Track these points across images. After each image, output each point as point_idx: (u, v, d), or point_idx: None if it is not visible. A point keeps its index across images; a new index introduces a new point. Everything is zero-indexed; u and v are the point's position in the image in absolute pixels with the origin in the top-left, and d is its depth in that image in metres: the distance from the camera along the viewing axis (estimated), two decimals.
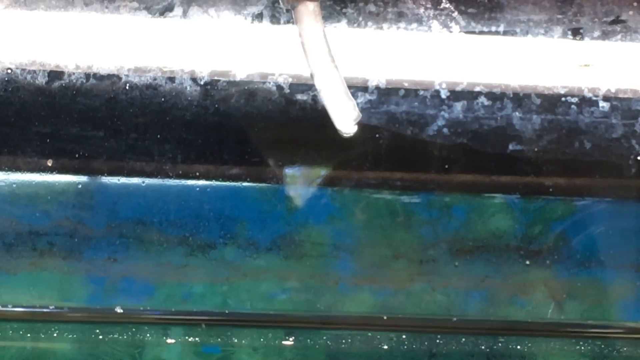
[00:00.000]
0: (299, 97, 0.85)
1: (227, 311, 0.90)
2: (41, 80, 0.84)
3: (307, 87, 0.85)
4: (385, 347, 0.92)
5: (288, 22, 0.84)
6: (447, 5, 0.86)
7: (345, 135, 0.75)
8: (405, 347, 0.92)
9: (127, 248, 0.87)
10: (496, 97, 0.87)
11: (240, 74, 0.85)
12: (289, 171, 0.88)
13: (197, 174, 0.87)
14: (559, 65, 0.87)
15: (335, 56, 0.75)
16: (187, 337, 0.90)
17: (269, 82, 0.85)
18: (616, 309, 0.92)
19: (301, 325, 0.91)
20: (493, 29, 0.86)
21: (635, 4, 0.87)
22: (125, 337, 0.90)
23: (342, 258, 0.89)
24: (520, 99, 0.87)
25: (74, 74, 0.84)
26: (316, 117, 0.85)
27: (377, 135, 0.86)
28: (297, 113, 0.86)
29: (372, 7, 0.85)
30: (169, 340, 0.90)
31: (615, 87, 0.87)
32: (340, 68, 0.75)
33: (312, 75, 0.75)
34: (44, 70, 0.84)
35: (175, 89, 0.85)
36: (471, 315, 0.91)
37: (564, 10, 0.87)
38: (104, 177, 0.87)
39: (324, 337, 0.91)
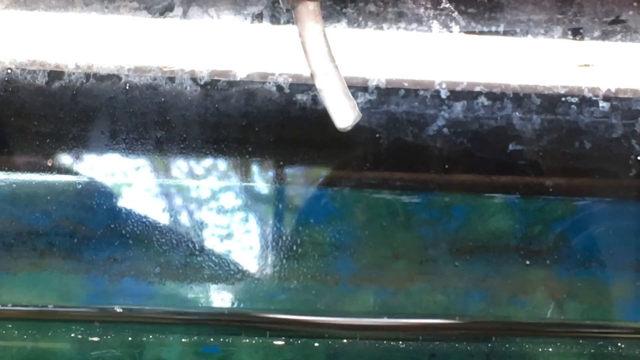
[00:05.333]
0: (299, 97, 0.85)
1: (227, 311, 0.90)
2: (41, 80, 0.84)
3: (307, 87, 0.85)
4: (386, 347, 0.92)
5: (288, 22, 0.84)
6: (447, 5, 0.86)
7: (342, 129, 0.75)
8: (405, 347, 0.92)
9: (127, 248, 0.87)
10: (496, 97, 0.87)
11: (240, 74, 0.85)
12: (290, 171, 0.88)
13: (197, 174, 0.87)
14: (559, 65, 0.87)
15: (335, 56, 0.75)
16: (187, 337, 0.90)
17: (269, 82, 0.85)
18: (616, 309, 0.92)
19: (301, 325, 0.91)
20: (493, 29, 0.86)
21: (635, 4, 0.87)
22: (125, 337, 0.90)
23: (342, 258, 0.89)
24: (520, 99, 0.87)
25: (74, 74, 0.84)
26: (316, 117, 0.85)
27: (377, 135, 0.86)
28: (297, 113, 0.86)
29: (372, 7, 0.85)
30: (169, 340, 0.90)
31: (615, 87, 0.87)
32: (340, 68, 0.75)
33: (312, 75, 0.75)
34: (44, 70, 0.84)
35: (175, 89, 0.85)
36: (471, 315, 0.91)
37: (564, 10, 0.87)
38: (104, 177, 0.87)
39: (324, 337, 0.91)
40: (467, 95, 0.86)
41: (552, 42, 0.87)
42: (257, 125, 0.86)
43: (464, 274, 0.90)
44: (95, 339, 0.90)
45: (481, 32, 0.86)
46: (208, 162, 0.87)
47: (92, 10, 0.84)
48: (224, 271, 0.89)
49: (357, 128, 0.76)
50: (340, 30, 0.85)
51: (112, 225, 0.87)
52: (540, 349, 0.93)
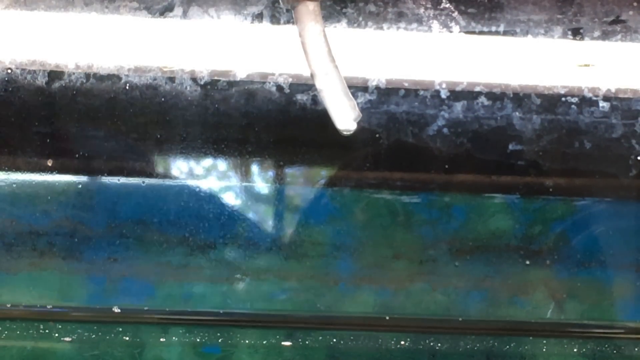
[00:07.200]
0: (299, 97, 0.85)
1: (227, 311, 0.90)
2: (41, 80, 0.84)
3: (307, 87, 0.85)
4: (386, 347, 0.92)
5: (288, 22, 0.84)
6: (447, 5, 0.86)
7: (345, 133, 0.75)
8: (406, 347, 0.92)
9: (127, 248, 0.87)
10: (496, 97, 0.87)
11: (240, 74, 0.85)
12: (290, 171, 0.88)
13: (197, 173, 0.87)
14: (559, 65, 0.87)
15: (335, 56, 0.75)
16: (187, 337, 0.90)
17: (269, 82, 0.85)
18: (616, 309, 0.92)
19: (301, 325, 0.91)
20: (493, 29, 0.86)
21: (635, 4, 0.87)
22: (125, 337, 0.90)
23: (342, 258, 0.89)
24: (520, 99, 0.87)
25: (74, 74, 0.84)
26: (316, 117, 0.85)
27: (377, 135, 0.86)
28: (297, 113, 0.86)
29: (372, 7, 0.85)
30: (169, 340, 0.90)
31: (615, 87, 0.87)
32: (340, 68, 0.75)
33: (312, 75, 0.75)
34: (44, 70, 0.84)
35: (175, 89, 0.85)
36: (471, 315, 0.91)
37: (564, 10, 0.87)
38: (104, 177, 0.87)
39: (324, 337, 0.91)
40: (467, 95, 0.86)
41: (552, 42, 0.87)
42: (257, 125, 0.86)
43: (464, 274, 0.90)
44: (95, 339, 0.90)
45: (481, 32, 0.86)
46: (208, 162, 0.87)
47: (92, 10, 0.84)
48: (224, 271, 0.89)
49: (357, 128, 0.76)
50: (340, 30, 0.85)
51: (112, 225, 0.87)
52: (540, 349, 0.93)
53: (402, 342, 0.92)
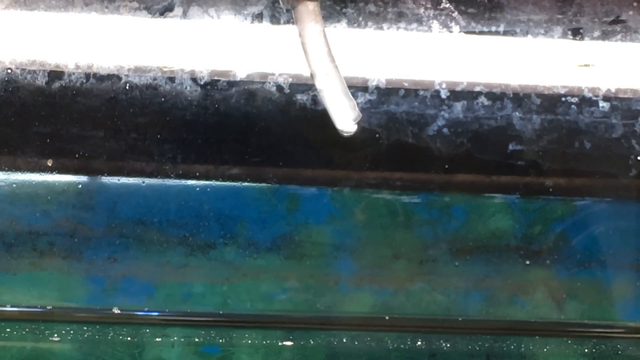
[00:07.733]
0: (299, 97, 0.85)
1: (227, 311, 0.90)
2: (41, 80, 0.84)
3: (307, 87, 0.85)
4: (385, 347, 0.92)
5: (288, 22, 0.84)
6: (447, 5, 0.86)
7: (345, 134, 0.75)
8: (406, 347, 0.92)
9: (127, 248, 0.87)
10: (496, 97, 0.87)
11: (240, 74, 0.85)
12: (290, 171, 0.88)
13: (197, 174, 0.87)
14: (559, 65, 0.87)
15: (335, 56, 0.75)
16: (187, 337, 0.90)
17: (269, 82, 0.85)
18: (616, 309, 0.92)
19: (301, 325, 0.91)
20: (493, 29, 0.86)
21: (635, 4, 0.87)
22: (125, 337, 0.90)
23: (342, 258, 0.89)
24: (520, 99, 0.87)
25: (74, 74, 0.84)
26: (316, 117, 0.85)
27: (377, 135, 0.86)
28: (297, 113, 0.86)
29: (372, 7, 0.85)
30: (169, 340, 0.90)
31: (615, 87, 0.87)
32: (340, 68, 0.75)
33: (312, 75, 0.75)
34: (44, 70, 0.84)
35: (175, 89, 0.85)
36: (471, 315, 0.91)
37: (564, 10, 0.87)
38: (104, 177, 0.87)
39: (324, 337, 0.91)
40: (467, 95, 0.86)
41: (552, 42, 0.87)
42: (257, 125, 0.86)
43: (464, 274, 0.90)
44: (95, 339, 0.90)
45: (481, 32, 0.86)
46: (207, 161, 0.87)
47: (92, 10, 0.84)
48: (224, 271, 0.89)
49: (357, 128, 0.76)
50: (340, 30, 0.85)
51: (112, 225, 0.87)
52: (540, 349, 0.93)
53: (402, 342, 0.92)
